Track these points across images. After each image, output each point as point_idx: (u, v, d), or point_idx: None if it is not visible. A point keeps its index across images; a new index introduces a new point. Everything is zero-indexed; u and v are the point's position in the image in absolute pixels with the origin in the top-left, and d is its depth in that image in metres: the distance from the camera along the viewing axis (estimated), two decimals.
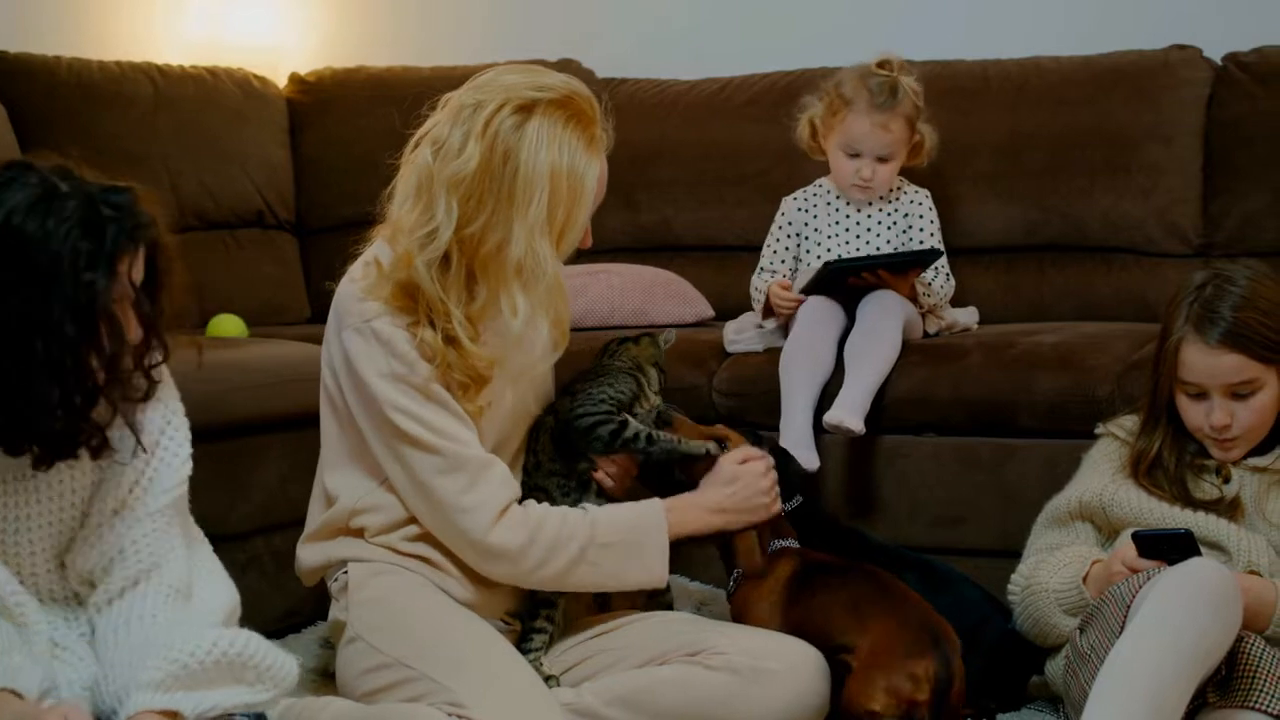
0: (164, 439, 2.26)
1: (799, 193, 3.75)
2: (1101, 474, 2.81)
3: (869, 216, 3.67)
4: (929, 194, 3.72)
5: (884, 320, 3.42)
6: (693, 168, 4.31)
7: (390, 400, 2.52)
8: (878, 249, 3.64)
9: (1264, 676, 2.38)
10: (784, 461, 3.10)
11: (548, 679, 2.61)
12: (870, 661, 2.57)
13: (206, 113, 4.40)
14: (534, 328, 2.55)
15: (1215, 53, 4.00)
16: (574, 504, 2.70)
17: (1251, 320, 2.62)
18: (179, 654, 2.07)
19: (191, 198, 4.31)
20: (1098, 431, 2.90)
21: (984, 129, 4.06)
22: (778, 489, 2.76)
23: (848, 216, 3.68)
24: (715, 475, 2.72)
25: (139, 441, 2.21)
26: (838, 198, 3.70)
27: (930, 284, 3.58)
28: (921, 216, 3.68)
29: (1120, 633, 2.36)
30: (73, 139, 3.98)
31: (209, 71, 4.50)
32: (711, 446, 2.73)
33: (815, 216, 3.70)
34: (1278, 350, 2.64)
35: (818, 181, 3.75)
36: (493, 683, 2.49)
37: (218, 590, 2.31)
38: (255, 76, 4.60)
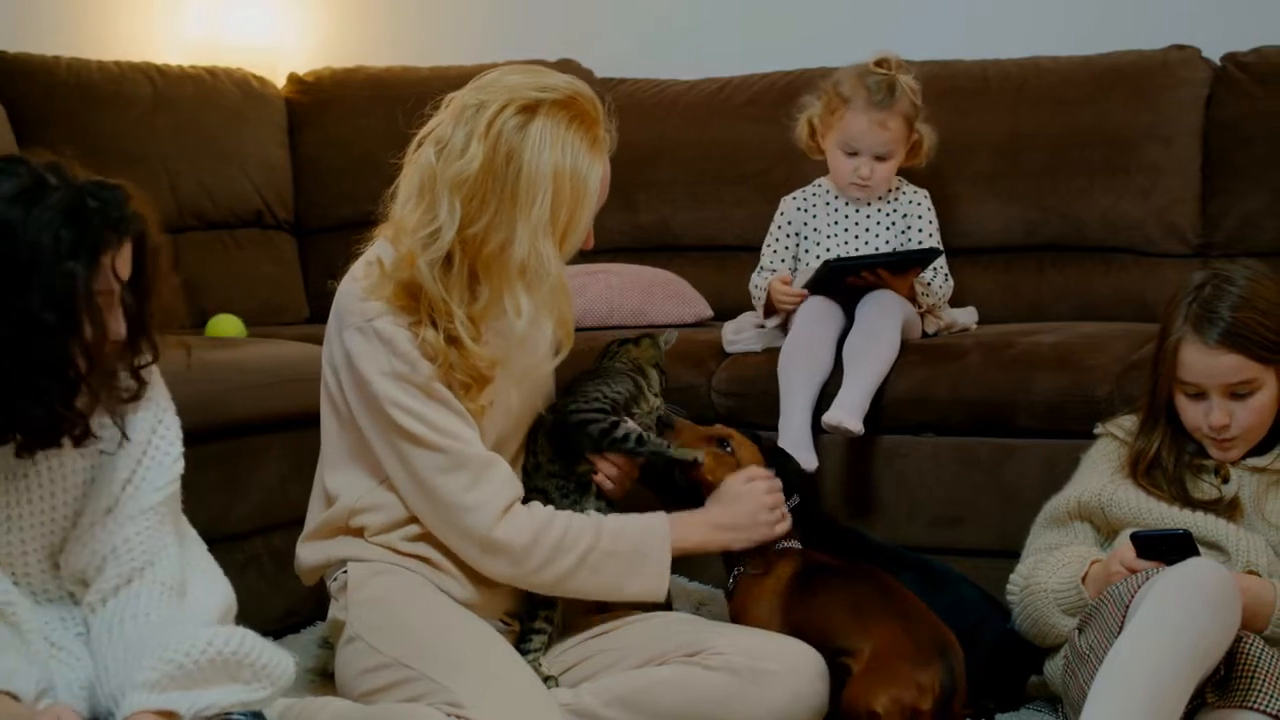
0: (155, 438, 2.27)
1: (798, 192, 3.75)
2: (1100, 474, 2.81)
3: (868, 217, 3.67)
4: (928, 194, 3.72)
5: (883, 320, 3.42)
6: (692, 168, 4.31)
7: (392, 399, 2.52)
8: (877, 249, 3.64)
9: (1263, 676, 2.38)
10: (782, 461, 3.10)
11: (546, 679, 2.61)
12: (874, 665, 2.57)
13: (205, 113, 4.40)
14: (537, 328, 2.56)
15: (1214, 53, 4.00)
16: (573, 505, 2.70)
17: (1250, 320, 2.62)
18: (174, 654, 2.07)
19: (190, 198, 4.31)
20: (1096, 431, 2.90)
21: (983, 129, 4.06)
22: (784, 507, 2.76)
23: (846, 217, 3.68)
24: (720, 493, 2.73)
25: (123, 433, 2.21)
26: (836, 197, 3.70)
27: (929, 284, 3.58)
28: (920, 217, 3.68)
29: (1119, 633, 2.36)
30: (72, 139, 3.96)
31: (208, 71, 4.50)
32: (699, 455, 2.73)
33: (814, 216, 3.70)
34: (1276, 350, 2.64)
35: (817, 181, 3.75)
36: (492, 683, 2.49)
37: (212, 588, 2.31)
38: (254, 77, 4.60)
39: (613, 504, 2.76)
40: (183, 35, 4.79)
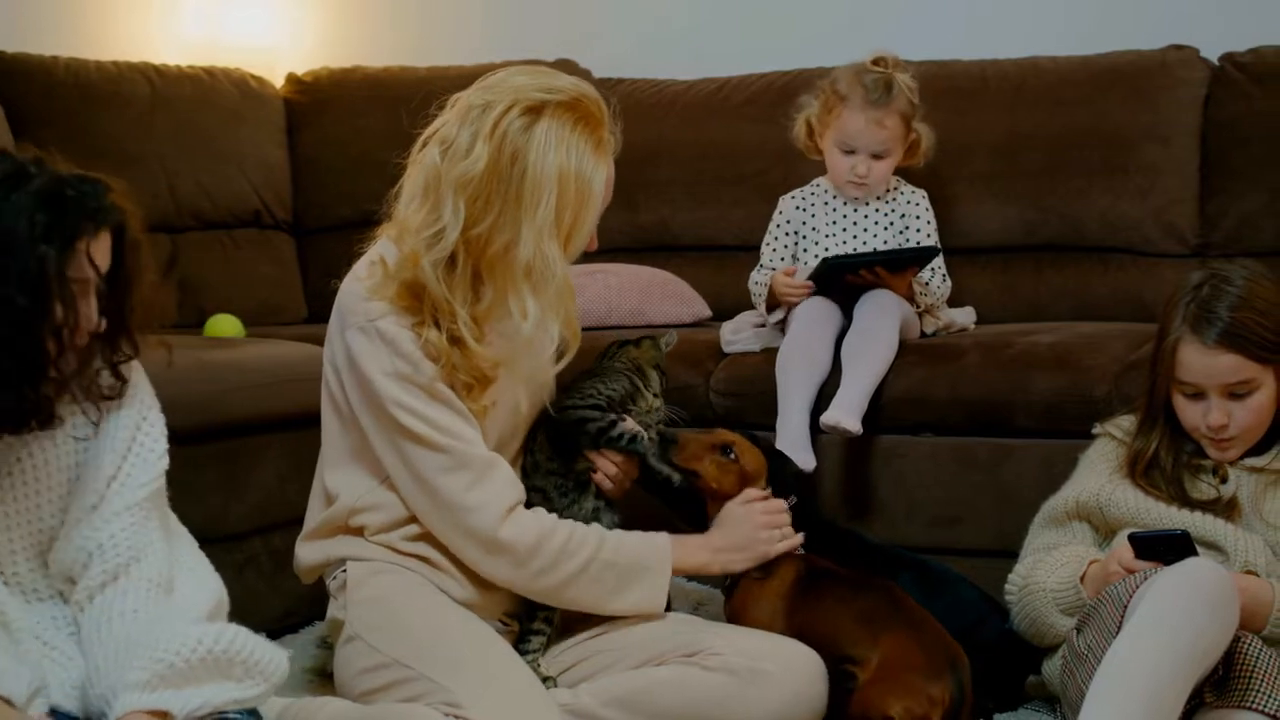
0: (140, 434, 2.28)
1: (796, 192, 3.76)
2: (1099, 474, 2.81)
3: (865, 216, 3.68)
4: (926, 194, 3.72)
5: (881, 320, 3.42)
6: (690, 168, 4.31)
7: (395, 398, 2.52)
8: (875, 248, 3.64)
9: (1261, 676, 2.38)
10: (780, 462, 3.10)
11: (545, 680, 2.61)
12: (884, 674, 2.56)
13: (203, 113, 4.41)
14: (543, 330, 2.55)
15: (1212, 53, 4.00)
16: (571, 504, 2.71)
17: (1248, 320, 2.62)
18: (164, 653, 2.06)
19: (188, 198, 4.32)
20: (1095, 431, 2.90)
21: (981, 129, 4.06)
22: (787, 525, 2.76)
23: (845, 216, 3.68)
24: (720, 518, 2.76)
25: (94, 422, 2.22)
26: (835, 197, 3.70)
27: (927, 284, 3.59)
28: (918, 217, 3.68)
29: (1117, 633, 2.36)
30: (70, 138, 3.98)
31: (206, 71, 4.50)
32: (676, 478, 2.74)
33: (813, 215, 3.70)
34: (1274, 350, 2.64)
35: (815, 181, 3.75)
36: (490, 683, 2.49)
37: (202, 584, 2.31)
38: (252, 77, 4.60)
39: (611, 503, 2.76)
40: (181, 35, 4.79)
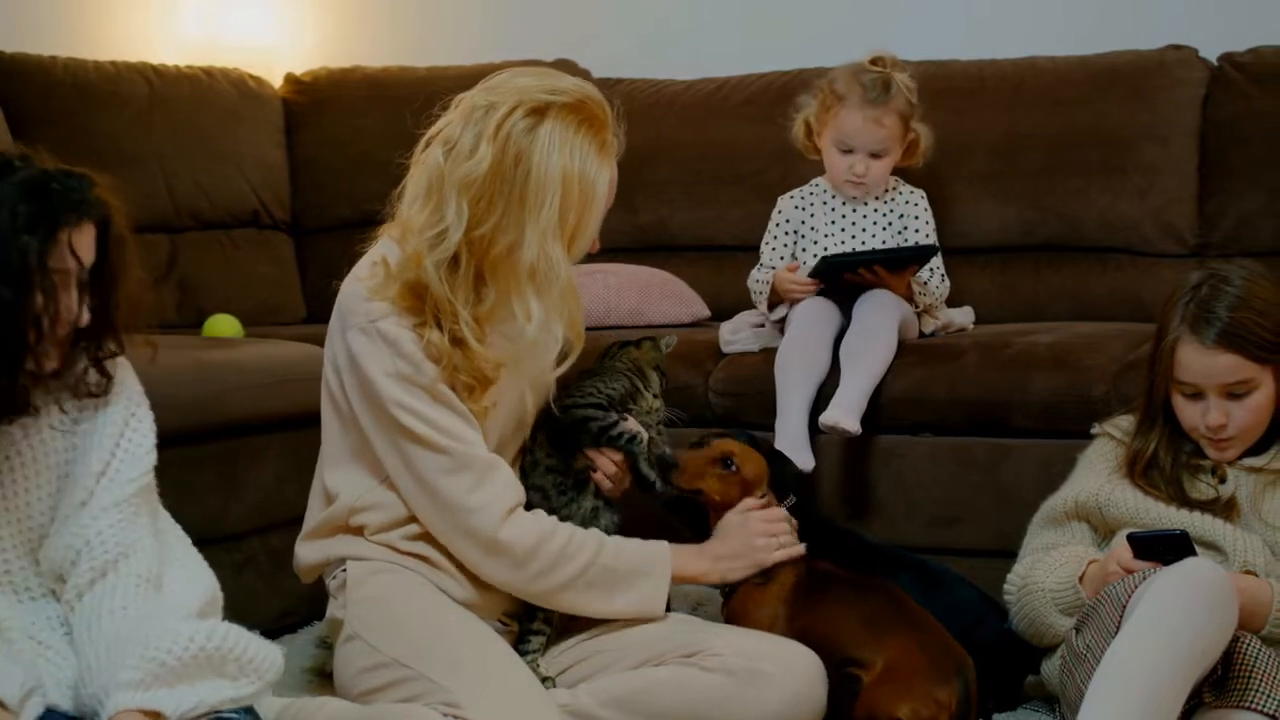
0: (128, 430, 2.28)
1: (795, 191, 3.76)
2: (1097, 474, 2.81)
3: (864, 217, 3.68)
4: (924, 194, 3.72)
5: (880, 320, 3.42)
6: (689, 168, 4.31)
7: (396, 399, 2.52)
8: (873, 248, 3.64)
9: (1260, 676, 2.38)
10: (780, 463, 3.10)
11: (544, 680, 2.61)
12: (890, 677, 2.56)
13: (202, 113, 4.41)
14: (547, 332, 2.55)
15: (1211, 53, 4.00)
16: (570, 503, 2.71)
17: (1247, 320, 2.62)
18: (155, 651, 2.06)
19: (187, 198, 4.32)
20: (1093, 431, 2.90)
21: (980, 129, 4.06)
22: (785, 534, 2.76)
23: (844, 216, 3.68)
24: (719, 527, 2.76)
25: (73, 418, 2.23)
26: (834, 197, 3.70)
27: (926, 283, 3.59)
28: (917, 217, 3.68)
29: (1116, 633, 2.36)
30: (68, 138, 3.99)
31: (204, 71, 4.50)
32: (659, 484, 2.74)
33: (812, 215, 3.70)
34: (1273, 350, 2.64)
35: (814, 181, 3.75)
36: (489, 683, 2.49)
37: (195, 580, 2.31)
38: (251, 77, 4.61)
39: (610, 503, 2.76)
40: (179, 35, 4.79)
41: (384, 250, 2.58)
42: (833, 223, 3.68)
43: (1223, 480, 2.71)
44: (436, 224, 2.49)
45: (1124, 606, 2.40)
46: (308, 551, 2.71)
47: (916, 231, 3.66)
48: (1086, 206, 3.97)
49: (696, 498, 2.79)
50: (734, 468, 2.79)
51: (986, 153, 4.05)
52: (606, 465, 2.73)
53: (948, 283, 3.66)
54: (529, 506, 2.68)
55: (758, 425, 3.30)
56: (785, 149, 3.78)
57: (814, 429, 3.31)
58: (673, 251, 4.34)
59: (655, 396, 2.83)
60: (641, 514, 2.82)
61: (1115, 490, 2.75)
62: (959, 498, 3.38)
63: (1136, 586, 2.41)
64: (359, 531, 2.65)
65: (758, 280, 3.64)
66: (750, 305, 3.71)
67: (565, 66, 4.28)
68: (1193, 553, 2.49)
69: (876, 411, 3.36)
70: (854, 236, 3.67)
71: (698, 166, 4.31)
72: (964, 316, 3.76)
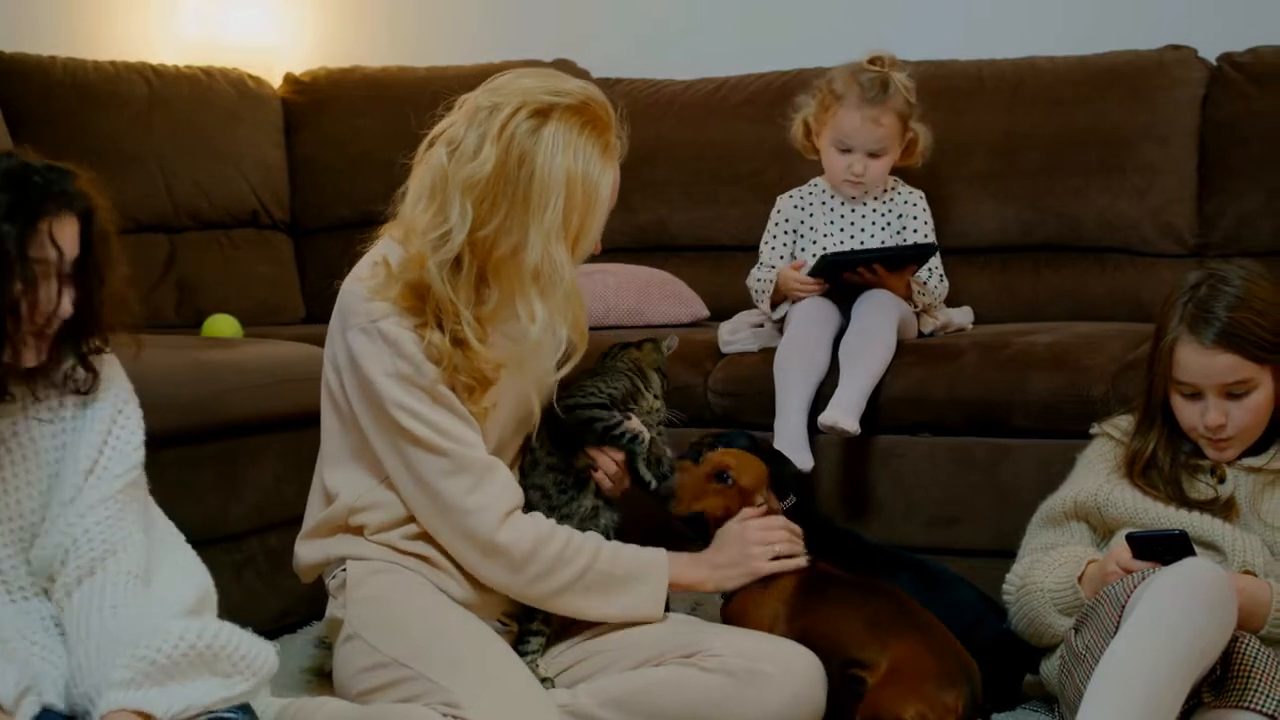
0: (115, 427, 2.28)
1: (794, 191, 3.76)
2: (1096, 474, 2.81)
3: (863, 217, 3.68)
4: (923, 194, 3.72)
5: (879, 320, 3.42)
6: (688, 168, 4.32)
7: (396, 400, 2.52)
8: (873, 247, 3.64)
9: (1259, 676, 2.38)
10: (778, 463, 3.10)
11: (543, 680, 2.61)
12: (896, 678, 2.55)
13: (201, 113, 4.41)
14: (550, 333, 2.55)
15: (1210, 53, 4.01)
16: (570, 501, 2.71)
17: (1246, 320, 2.62)
18: (145, 650, 2.05)
19: (186, 198, 4.32)
20: (1092, 431, 2.90)
21: (979, 129, 4.07)
22: (783, 543, 2.75)
23: (842, 217, 3.68)
24: (717, 536, 2.76)
25: (64, 414, 2.23)
26: (833, 197, 3.70)
27: (925, 283, 3.59)
28: (915, 217, 3.68)
29: (1115, 633, 2.36)
30: (68, 138, 3.99)
31: (204, 71, 4.50)
32: (652, 483, 2.74)
33: (811, 215, 3.70)
34: (1272, 350, 2.64)
35: (812, 181, 3.75)
36: (489, 683, 2.49)
37: (187, 576, 2.30)
38: (250, 76, 4.61)
39: (610, 502, 2.77)
40: (179, 35, 4.79)
41: (385, 250, 2.58)
42: (831, 223, 3.68)
43: (1221, 480, 2.71)
44: (440, 225, 2.49)
45: (1123, 606, 2.40)
46: (307, 551, 2.71)
47: (915, 231, 3.67)
48: (1086, 206, 3.97)
49: (701, 517, 2.79)
50: (730, 481, 2.78)
51: (986, 153, 4.05)
52: (608, 465, 2.73)
53: (946, 283, 3.66)
54: (529, 504, 2.68)
55: (757, 425, 3.30)
56: (784, 149, 3.78)
57: (813, 429, 3.31)
58: (672, 251, 4.34)
59: (656, 397, 2.83)
60: (642, 514, 2.82)
61: (1114, 490, 2.75)
62: (958, 498, 3.38)
63: (1135, 586, 2.41)
64: (359, 531, 2.65)
65: (758, 280, 3.64)
66: (749, 305, 3.71)
67: (564, 66, 4.28)
68: (1192, 553, 2.49)
69: (875, 411, 3.36)
70: (852, 236, 3.67)
71: (697, 166, 4.31)
72: (963, 316, 3.76)
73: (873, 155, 3.60)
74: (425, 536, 2.62)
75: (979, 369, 3.40)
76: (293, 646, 3.17)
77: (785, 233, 3.71)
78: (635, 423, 2.74)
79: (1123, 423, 2.84)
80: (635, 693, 2.56)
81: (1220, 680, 2.39)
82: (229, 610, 2.37)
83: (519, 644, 2.67)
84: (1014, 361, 3.40)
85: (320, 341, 2.71)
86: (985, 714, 2.76)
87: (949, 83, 4.08)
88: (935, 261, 3.61)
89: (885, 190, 3.70)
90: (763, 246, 3.73)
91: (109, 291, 2.24)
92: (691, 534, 2.84)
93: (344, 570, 2.66)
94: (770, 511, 2.79)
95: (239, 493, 3.24)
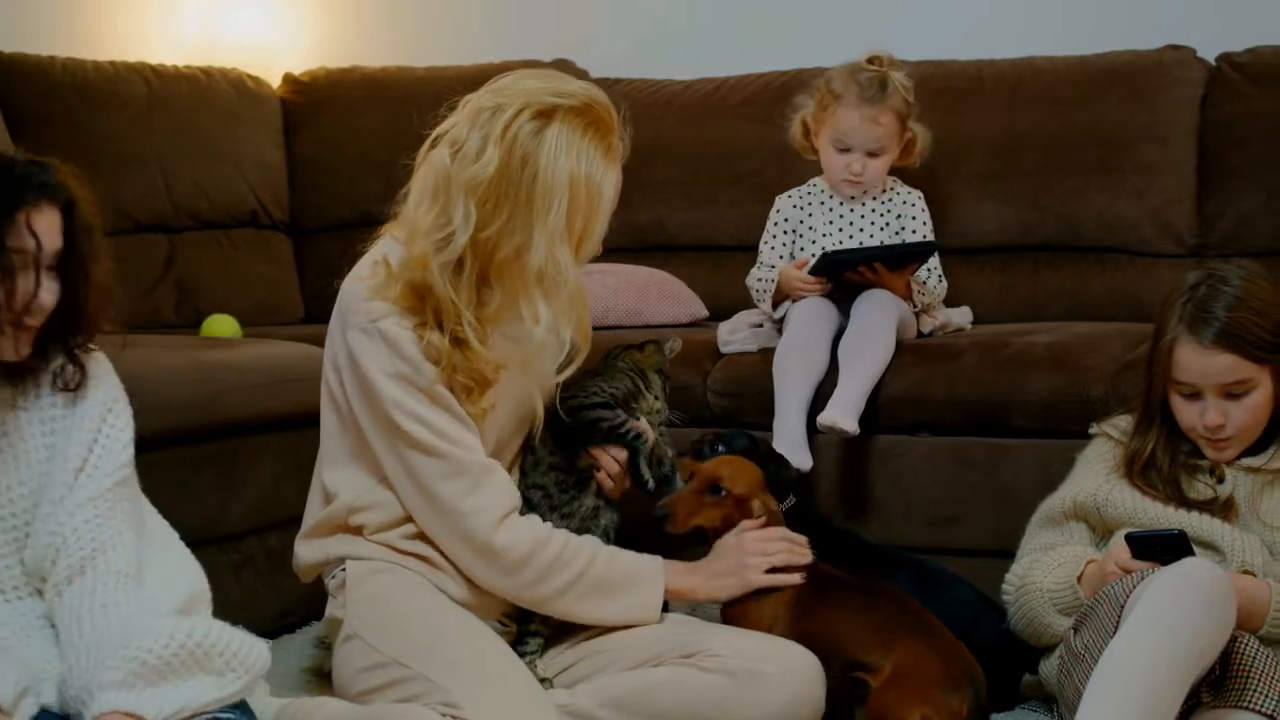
0: (105, 425, 2.28)
1: (792, 191, 3.76)
2: (1095, 474, 2.81)
3: (861, 216, 3.68)
4: (922, 195, 3.72)
5: (878, 320, 3.42)
6: (687, 168, 4.31)
7: (395, 401, 2.52)
8: (874, 245, 3.64)
9: (1258, 676, 2.38)
10: (777, 464, 3.10)
11: (542, 681, 2.61)
12: (902, 681, 2.54)
13: (201, 113, 4.41)
14: (553, 335, 2.55)
15: (1209, 53, 4.01)
16: (571, 501, 2.72)
17: (1245, 320, 2.62)
18: (136, 650, 2.05)
19: (185, 198, 4.32)
20: (1092, 432, 2.90)
21: (978, 129, 4.07)
22: (779, 554, 2.74)
23: (841, 216, 3.68)
24: (716, 545, 2.76)
25: (41, 404, 2.24)
26: (831, 196, 3.70)
27: (925, 283, 3.59)
28: (914, 218, 3.68)
29: (1114, 633, 2.36)
30: (67, 138, 4.00)
31: (203, 72, 4.50)
32: (650, 483, 2.74)
33: (810, 215, 3.70)
34: (1271, 350, 2.64)
35: (811, 181, 3.75)
36: (488, 683, 2.49)
37: (180, 573, 2.30)
38: (249, 77, 4.61)
39: (610, 502, 2.77)
40: (178, 35, 4.79)
41: (385, 249, 2.58)
42: (830, 222, 3.68)
43: (1221, 480, 2.71)
44: (444, 227, 2.49)
45: (1122, 606, 2.40)
46: (307, 551, 2.71)
47: (914, 232, 3.67)
48: (1085, 206, 3.97)
49: (699, 531, 2.79)
50: (724, 492, 2.77)
51: (985, 153, 4.05)
52: (610, 465, 2.73)
53: (945, 283, 3.66)
54: (531, 503, 2.69)
55: (756, 425, 3.30)
56: (783, 149, 3.78)
57: (812, 429, 3.31)
58: (671, 251, 4.34)
59: (656, 399, 2.83)
60: (642, 514, 2.82)
61: (1113, 490, 2.75)
62: (957, 498, 3.38)
63: (1134, 586, 2.41)
64: (358, 531, 2.65)
65: (759, 280, 3.64)
66: (749, 305, 3.71)
67: (563, 66, 4.29)
68: (1191, 553, 2.49)
69: (874, 411, 3.36)
70: (851, 236, 3.67)
71: (696, 166, 4.31)
72: (962, 316, 3.76)
73: (871, 154, 3.61)
74: (424, 536, 2.62)
75: (978, 369, 3.40)
76: (292, 646, 3.18)
77: (784, 233, 3.71)
78: (642, 422, 2.74)
79: (1122, 423, 2.84)
80: (634, 693, 2.56)
81: (1219, 680, 2.39)
82: (228, 610, 2.36)
83: (518, 644, 2.67)
84: (1013, 361, 3.40)
85: (319, 341, 2.71)
86: (985, 714, 2.76)
87: (948, 83, 4.08)
88: (934, 262, 3.61)
89: (884, 190, 3.70)
90: (762, 246, 3.73)
91: (94, 285, 2.24)
92: (698, 543, 2.84)
93: (343, 570, 2.66)
94: (768, 513, 2.78)
95: (238, 493, 3.24)
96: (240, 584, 3.22)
